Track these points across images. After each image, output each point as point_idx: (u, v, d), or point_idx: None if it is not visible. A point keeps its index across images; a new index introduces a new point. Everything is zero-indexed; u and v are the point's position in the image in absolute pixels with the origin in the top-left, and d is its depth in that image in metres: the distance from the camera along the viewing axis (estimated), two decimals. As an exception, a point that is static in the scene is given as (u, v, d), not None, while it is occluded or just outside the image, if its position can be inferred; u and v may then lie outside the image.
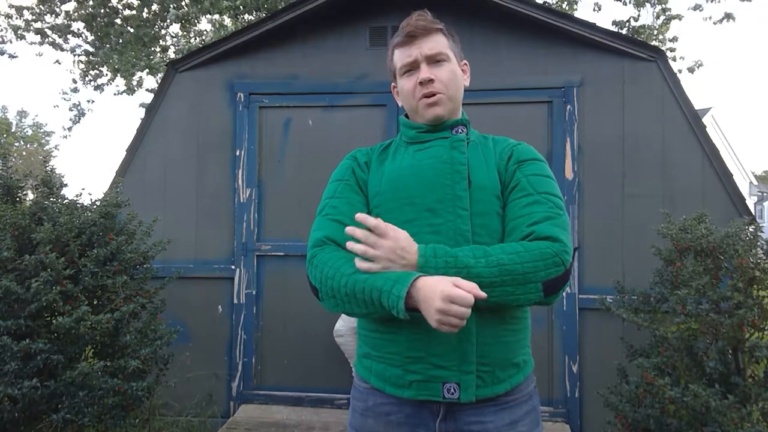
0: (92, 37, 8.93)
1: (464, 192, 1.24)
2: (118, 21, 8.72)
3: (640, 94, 3.43)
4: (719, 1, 9.34)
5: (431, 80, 1.28)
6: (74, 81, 9.62)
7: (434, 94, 1.29)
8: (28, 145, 31.33)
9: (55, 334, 2.73)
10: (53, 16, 8.74)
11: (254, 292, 3.66)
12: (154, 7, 8.67)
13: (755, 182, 29.94)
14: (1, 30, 9.62)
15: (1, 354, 2.58)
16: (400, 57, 1.33)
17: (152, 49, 8.97)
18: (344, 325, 3.25)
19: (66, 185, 3.22)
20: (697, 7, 8.46)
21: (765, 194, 29.96)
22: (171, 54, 9.43)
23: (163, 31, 9.11)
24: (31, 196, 3.25)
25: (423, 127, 1.34)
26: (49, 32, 8.85)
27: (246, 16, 8.42)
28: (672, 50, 8.88)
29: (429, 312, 1.04)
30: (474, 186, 1.25)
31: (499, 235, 1.24)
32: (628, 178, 3.41)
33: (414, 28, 1.29)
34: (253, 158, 3.70)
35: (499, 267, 1.10)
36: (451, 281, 1.03)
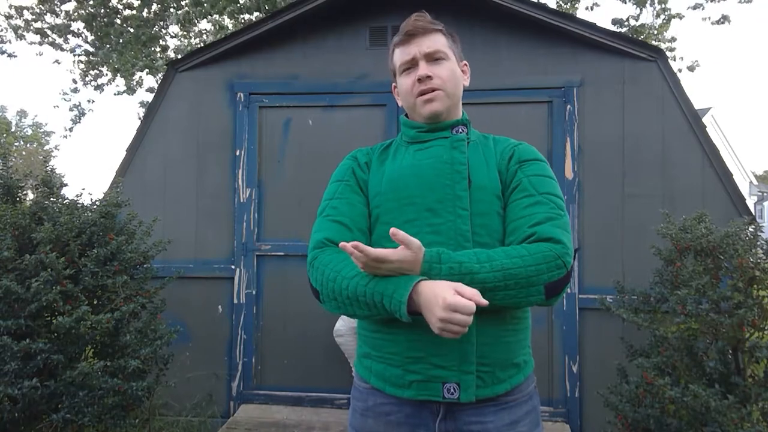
0: (92, 37, 8.93)
1: (464, 192, 1.24)
2: (118, 21, 8.72)
3: (640, 94, 3.43)
4: (720, 1, 9.35)
5: (429, 77, 1.29)
6: (74, 81, 9.62)
7: (432, 90, 1.29)
8: (28, 145, 31.34)
9: (55, 334, 2.73)
10: (53, 16, 8.74)
11: (254, 292, 3.66)
12: (154, 7, 8.67)
13: (755, 182, 29.94)
14: (1, 30, 9.62)
15: (1, 354, 2.58)
16: (399, 55, 1.34)
17: (152, 49, 8.97)
18: (344, 325, 3.25)
19: (66, 185, 3.22)
20: (697, 6, 8.45)
21: (765, 194, 29.96)
22: (171, 54, 9.43)
23: (163, 31, 9.11)
24: (31, 195, 3.25)
25: (423, 126, 1.34)
26: (49, 32, 8.85)
27: (246, 16, 8.42)
28: (671, 50, 8.88)
29: (431, 319, 1.04)
30: (474, 186, 1.25)
31: (499, 235, 1.24)
32: (628, 178, 3.41)
33: (413, 27, 1.30)
34: (253, 158, 3.70)
35: (503, 271, 1.10)
36: (453, 287, 1.03)
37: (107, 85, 9.65)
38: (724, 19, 8.34)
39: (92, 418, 2.67)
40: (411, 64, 1.31)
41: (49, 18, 8.77)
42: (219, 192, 3.73)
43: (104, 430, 2.85)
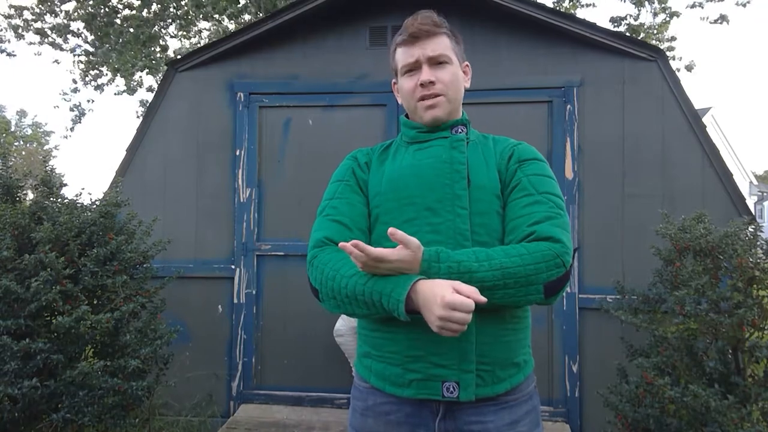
0: (92, 37, 8.93)
1: (463, 191, 1.24)
2: (118, 21, 8.71)
3: (640, 93, 3.43)
4: (718, 1, 9.33)
5: (432, 82, 1.28)
6: (74, 81, 9.62)
7: (434, 96, 1.29)
8: (28, 145, 31.34)
9: (55, 334, 2.73)
10: (53, 15, 8.74)
11: (254, 292, 3.66)
12: (154, 7, 8.67)
13: (755, 182, 29.94)
14: (1, 30, 9.61)
15: (1, 353, 2.58)
16: (402, 56, 1.32)
17: (152, 48, 8.96)
18: (344, 324, 3.25)
19: (66, 185, 3.22)
20: (697, 5, 8.43)
21: (765, 194, 29.96)
22: (171, 54, 9.43)
23: (163, 31, 9.11)
24: (30, 195, 3.25)
25: (423, 127, 1.34)
26: (48, 32, 8.85)
27: (247, 17, 8.42)
28: (671, 49, 8.87)
29: (430, 317, 1.04)
30: (473, 185, 1.25)
31: (498, 235, 1.24)
32: (628, 178, 3.41)
33: (418, 29, 1.28)
34: (253, 158, 3.70)
35: (501, 270, 1.10)
36: (452, 286, 1.03)
37: (107, 85, 9.66)
38: (722, 18, 8.33)
39: (92, 417, 2.67)
40: (414, 67, 1.30)
41: (49, 18, 8.77)
42: (219, 192, 3.73)
43: (104, 430, 2.85)
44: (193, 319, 3.64)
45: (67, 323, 2.56)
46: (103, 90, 9.69)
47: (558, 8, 8.04)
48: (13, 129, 30.59)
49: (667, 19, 8.41)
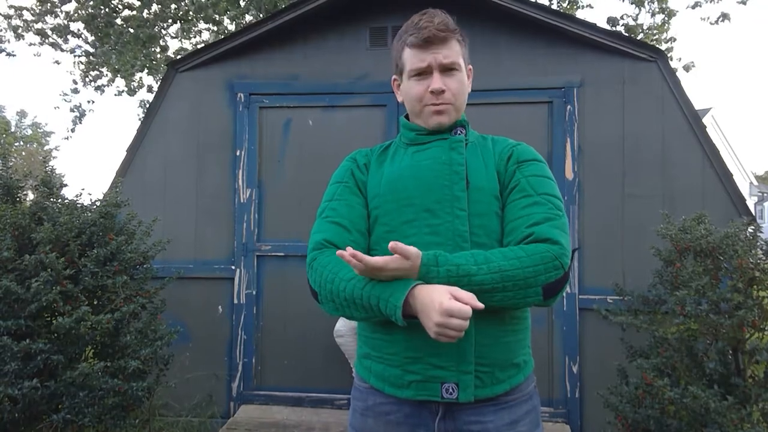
0: (92, 38, 8.93)
1: (462, 193, 1.24)
2: (119, 21, 8.71)
3: (640, 94, 3.43)
4: (718, 1, 9.34)
5: (443, 91, 1.27)
6: (74, 82, 9.62)
7: (443, 104, 1.29)
8: (28, 145, 31.35)
9: (55, 335, 2.73)
10: (53, 16, 8.74)
11: (254, 293, 3.66)
12: (154, 7, 8.67)
13: (755, 182, 29.94)
14: (1, 30, 9.63)
15: (1, 354, 2.58)
16: (412, 59, 1.29)
17: (152, 49, 8.96)
18: (344, 325, 3.25)
19: (66, 185, 3.22)
20: (696, 5, 8.42)
21: (765, 195, 29.96)
22: (170, 54, 9.43)
23: (163, 32, 9.11)
24: (31, 196, 3.25)
25: (423, 129, 1.34)
26: (49, 32, 8.85)
27: (248, 18, 8.43)
28: (669, 50, 8.86)
29: (427, 323, 1.04)
30: (472, 187, 1.25)
31: (497, 236, 1.24)
32: (629, 178, 3.41)
33: (434, 34, 1.25)
34: (253, 158, 3.70)
35: (500, 273, 1.10)
36: (449, 292, 1.03)
37: (107, 86, 9.65)
38: (723, 17, 8.31)
39: (92, 418, 2.67)
40: (424, 72, 1.28)
41: (49, 19, 8.77)
42: (219, 192, 3.73)
43: (104, 431, 2.85)
44: (193, 320, 3.64)
45: (67, 324, 2.56)
46: (103, 91, 9.69)
47: (558, 9, 8.05)
48: (13, 129, 30.60)
49: (666, 18, 8.40)
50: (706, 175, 3.35)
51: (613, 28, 8.51)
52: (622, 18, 8.56)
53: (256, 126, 3.72)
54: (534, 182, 1.25)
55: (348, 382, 3.35)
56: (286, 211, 3.68)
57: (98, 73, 9.49)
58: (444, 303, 1.00)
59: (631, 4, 8.34)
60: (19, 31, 8.84)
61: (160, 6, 8.61)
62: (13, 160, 26.55)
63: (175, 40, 9.61)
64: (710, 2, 8.34)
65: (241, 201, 3.69)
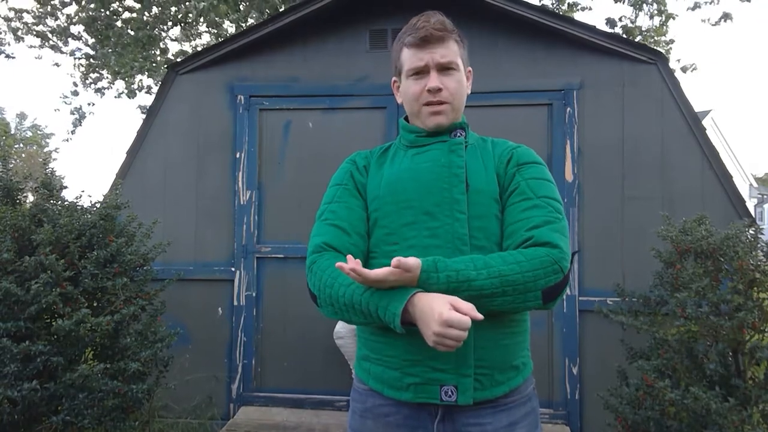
0: (93, 40, 8.94)
1: (462, 195, 1.24)
2: (119, 24, 8.72)
3: (639, 96, 3.43)
4: (717, 2, 9.33)
5: (439, 89, 1.27)
6: (75, 84, 9.63)
7: (440, 103, 1.28)
8: (28, 147, 31.36)
9: (55, 336, 2.73)
10: (54, 19, 8.75)
11: (254, 294, 3.66)
12: (154, 10, 8.68)
13: (755, 184, 29.94)
14: (1, 33, 9.64)
15: (0, 356, 2.58)
16: (409, 59, 1.30)
17: (151, 51, 8.97)
18: (344, 327, 3.25)
19: (66, 187, 3.22)
20: (695, 6, 8.43)
21: (765, 196, 29.96)
22: (171, 56, 9.44)
23: (163, 34, 9.12)
24: (31, 198, 3.25)
25: (422, 131, 1.34)
26: (49, 35, 8.85)
27: (250, 21, 8.44)
28: (668, 52, 8.87)
29: (426, 332, 1.04)
30: (472, 189, 1.25)
31: (497, 238, 1.24)
32: (628, 180, 3.41)
33: (431, 33, 1.26)
34: (253, 160, 3.71)
35: (500, 278, 1.09)
36: (449, 301, 1.03)
37: (108, 88, 9.66)
38: (725, 17, 8.30)
39: (92, 420, 2.67)
40: (422, 71, 1.29)
41: (50, 21, 8.78)
42: (219, 194, 3.73)
43: (104, 433, 2.84)
44: (193, 322, 3.64)
45: (67, 326, 2.56)
46: (103, 94, 9.70)
47: (557, 11, 8.06)
48: (13, 132, 30.61)
49: (663, 20, 8.41)
50: (706, 177, 3.35)
51: (612, 30, 8.52)
52: (620, 20, 8.57)
53: (256, 128, 3.72)
54: (534, 185, 1.25)
55: (348, 384, 3.35)
56: (285, 213, 3.68)
57: (98, 75, 9.50)
58: (444, 313, 1.00)
59: (630, 6, 8.36)
60: (19, 33, 8.85)
61: (160, 8, 8.62)
62: (13, 162, 26.57)
63: (175, 42, 9.62)
64: (710, 3, 8.35)
65: (241, 203, 3.69)
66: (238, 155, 3.71)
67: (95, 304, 2.93)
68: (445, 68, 1.28)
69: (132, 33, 8.57)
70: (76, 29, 8.92)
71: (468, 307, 1.02)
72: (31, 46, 9.09)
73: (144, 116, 4.13)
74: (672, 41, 8.85)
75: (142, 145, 3.81)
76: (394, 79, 1.40)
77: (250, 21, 8.39)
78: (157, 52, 9.18)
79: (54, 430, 2.69)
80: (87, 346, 2.84)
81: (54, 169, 3.19)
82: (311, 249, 1.26)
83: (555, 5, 8.83)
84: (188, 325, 3.60)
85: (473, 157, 1.31)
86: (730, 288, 2.43)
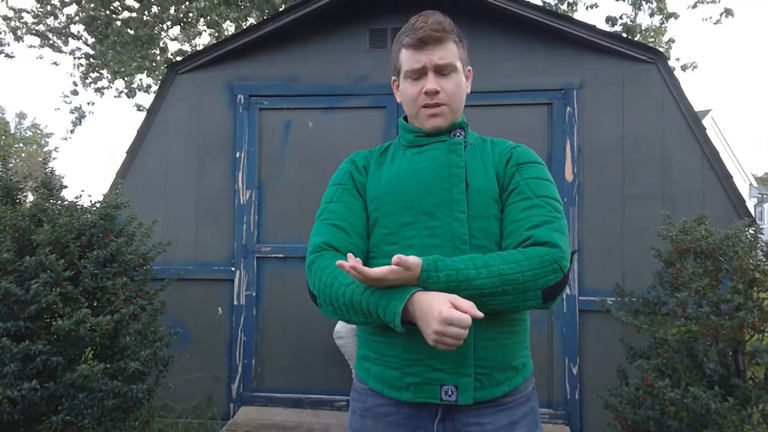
0: (92, 40, 8.93)
1: (461, 195, 1.24)
2: (118, 23, 8.72)
3: (639, 95, 3.43)
4: (718, 1, 9.34)
5: (437, 92, 1.27)
6: (74, 84, 9.63)
7: (437, 105, 1.28)
8: (28, 147, 31.34)
9: (55, 336, 2.73)
10: (54, 18, 8.74)
11: (254, 294, 3.66)
12: (154, 9, 8.68)
13: (755, 184, 29.94)
14: (1, 33, 9.63)
15: (0, 355, 2.58)
16: (407, 60, 1.29)
17: (151, 51, 8.97)
18: (344, 326, 3.25)
19: (66, 187, 3.22)
20: (696, 5, 8.42)
21: (765, 196, 29.96)
22: (170, 56, 9.43)
23: (163, 34, 9.12)
24: (30, 197, 3.25)
25: (421, 131, 1.33)
26: (49, 35, 8.85)
27: (250, 21, 8.43)
28: (667, 51, 8.86)
29: (426, 330, 1.04)
30: (471, 189, 1.25)
31: (497, 238, 1.24)
32: (628, 179, 3.41)
33: (429, 34, 1.25)
34: (253, 160, 3.70)
35: (500, 277, 1.10)
36: (449, 300, 1.03)
37: (107, 88, 9.66)
38: (726, 12, 8.28)
39: (92, 420, 2.67)
40: (419, 74, 1.28)
41: (50, 21, 8.78)
42: (219, 194, 3.73)
43: (104, 432, 2.84)
44: (193, 321, 3.64)
45: (67, 325, 2.56)
46: (103, 93, 9.70)
47: (556, 10, 8.06)
48: (12, 131, 30.59)
49: (664, 20, 8.40)
50: (706, 176, 3.35)
51: (612, 28, 8.52)
52: (621, 18, 8.57)
53: (255, 127, 3.72)
54: (533, 185, 1.25)
55: (348, 384, 3.35)
56: (286, 213, 3.68)
57: (98, 75, 9.50)
58: (443, 312, 1.00)
59: (630, 5, 8.35)
60: (19, 33, 8.85)
61: (159, 8, 8.62)
62: (13, 161, 26.56)
63: (175, 41, 9.61)
64: (710, 2, 8.34)
65: (241, 202, 3.69)
66: (238, 155, 3.71)
67: (95, 304, 2.93)
68: (442, 70, 1.27)
69: (131, 32, 8.57)
70: (76, 28, 8.93)
71: (468, 305, 1.02)
72: (31, 46, 9.10)
73: (141, 114, 4.13)
74: (672, 40, 8.84)
75: (142, 144, 3.81)
76: (393, 78, 1.40)
77: (251, 21, 8.38)
78: (156, 52, 9.17)
79: (54, 430, 2.69)
80: (87, 345, 2.84)
81: (54, 169, 3.18)
82: (311, 249, 1.26)
83: (555, 4, 8.82)
84: (188, 325, 3.60)
85: (472, 156, 1.31)
86: (730, 288, 2.43)
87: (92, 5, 8.45)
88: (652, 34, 8.59)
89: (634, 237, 3.35)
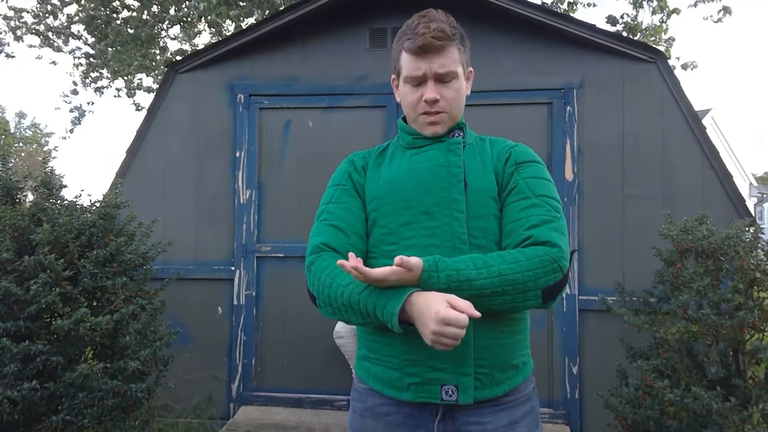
0: (92, 40, 8.93)
1: (460, 195, 1.24)
2: (118, 22, 8.71)
3: (640, 95, 3.43)
4: (717, 0, 9.32)
5: (437, 101, 1.26)
6: (74, 83, 9.62)
7: (437, 113, 1.28)
8: (27, 146, 31.33)
9: (55, 336, 2.73)
10: (54, 18, 8.74)
11: (254, 294, 3.65)
12: (154, 8, 8.67)
13: (755, 183, 29.96)
14: (0, 33, 9.62)
15: (0, 356, 2.57)
16: (407, 65, 1.28)
17: (151, 50, 8.96)
18: (344, 326, 3.25)
19: (65, 186, 3.22)
20: (696, 3, 8.40)
21: (765, 196, 29.97)
22: (169, 55, 9.43)
23: (163, 33, 9.11)
24: (30, 197, 3.24)
25: (420, 133, 1.33)
26: (49, 35, 8.84)
27: (250, 20, 8.42)
28: (667, 50, 8.84)
29: (423, 331, 1.04)
30: (470, 189, 1.25)
31: (496, 237, 1.24)
32: (628, 179, 3.41)
33: (430, 42, 1.22)
34: (253, 159, 3.70)
35: (500, 277, 1.09)
36: (446, 300, 1.03)
37: (107, 88, 9.66)
38: (724, 10, 8.26)
39: (92, 419, 2.67)
40: (419, 81, 1.27)
41: (49, 20, 8.77)
42: (219, 193, 3.73)
43: (104, 432, 2.84)
44: (193, 321, 3.64)
45: (66, 325, 2.55)
46: (102, 93, 9.69)
47: (557, 9, 8.06)
48: (12, 130, 30.57)
49: (664, 18, 8.38)
50: (706, 175, 3.35)
51: (613, 27, 8.51)
52: (622, 17, 8.55)
53: (255, 127, 3.72)
54: (532, 184, 1.25)
55: (348, 383, 3.34)
56: (285, 212, 3.68)
57: (98, 74, 9.50)
58: (441, 311, 1.00)
59: (630, 3, 8.34)
60: (18, 33, 8.84)
61: (159, 8, 8.61)
62: (13, 161, 26.56)
63: (175, 41, 9.61)
64: (710, 1, 8.31)
65: (241, 202, 3.68)
66: (238, 154, 3.71)
67: (95, 304, 2.93)
68: (443, 78, 1.26)
69: (131, 31, 8.56)
70: (76, 28, 8.92)
71: (465, 304, 1.02)
72: (31, 46, 9.08)
73: (140, 113, 4.13)
74: (672, 39, 8.83)
75: (142, 144, 3.81)
76: (393, 77, 1.39)
77: (251, 20, 8.38)
78: (156, 51, 9.17)
79: (54, 430, 2.69)
80: (87, 345, 2.84)
81: (53, 168, 3.18)
82: (310, 249, 1.26)
83: (554, 4, 8.81)
84: (188, 325, 3.60)
85: (471, 156, 1.31)
86: (731, 287, 2.43)
87: (92, 5, 8.44)
88: (652, 32, 8.57)
89: (634, 236, 3.35)
